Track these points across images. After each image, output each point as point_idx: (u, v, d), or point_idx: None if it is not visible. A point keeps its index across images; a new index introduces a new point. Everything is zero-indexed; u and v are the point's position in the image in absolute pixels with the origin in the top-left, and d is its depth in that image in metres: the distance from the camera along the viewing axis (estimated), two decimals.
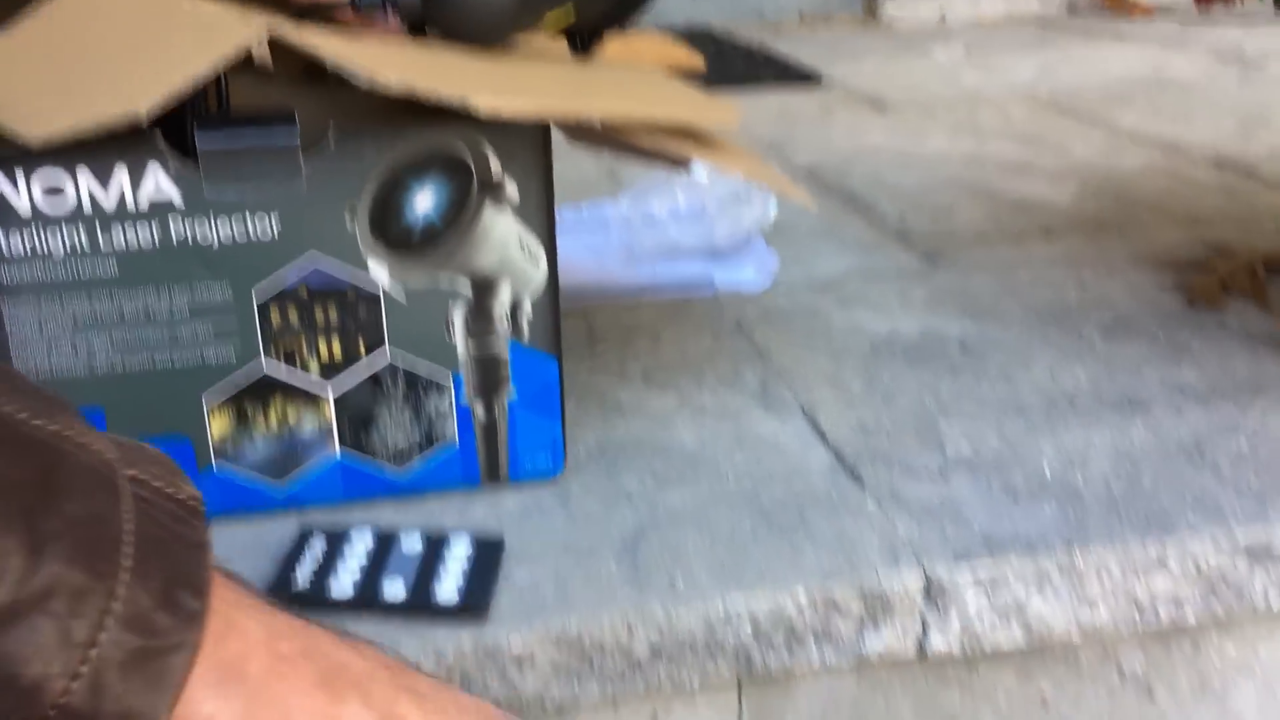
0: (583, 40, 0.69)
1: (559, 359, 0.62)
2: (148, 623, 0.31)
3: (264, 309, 0.56)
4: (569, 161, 1.15)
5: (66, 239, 0.53)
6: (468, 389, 0.60)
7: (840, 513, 0.61)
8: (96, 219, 0.53)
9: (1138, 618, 0.60)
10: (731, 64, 1.91)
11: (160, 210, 0.54)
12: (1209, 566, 0.60)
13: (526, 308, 0.60)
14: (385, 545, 0.57)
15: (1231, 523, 0.60)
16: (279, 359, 0.57)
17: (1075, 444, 0.68)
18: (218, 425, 0.58)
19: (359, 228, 0.56)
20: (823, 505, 0.62)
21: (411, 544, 0.57)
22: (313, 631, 0.37)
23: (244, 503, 0.60)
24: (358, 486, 0.61)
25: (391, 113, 0.56)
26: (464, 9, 0.60)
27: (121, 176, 0.53)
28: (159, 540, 0.32)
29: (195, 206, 0.54)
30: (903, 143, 1.43)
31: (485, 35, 0.62)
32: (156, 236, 0.54)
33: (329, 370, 0.58)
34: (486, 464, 0.63)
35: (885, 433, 0.70)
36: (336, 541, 0.57)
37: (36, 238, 0.53)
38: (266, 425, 0.58)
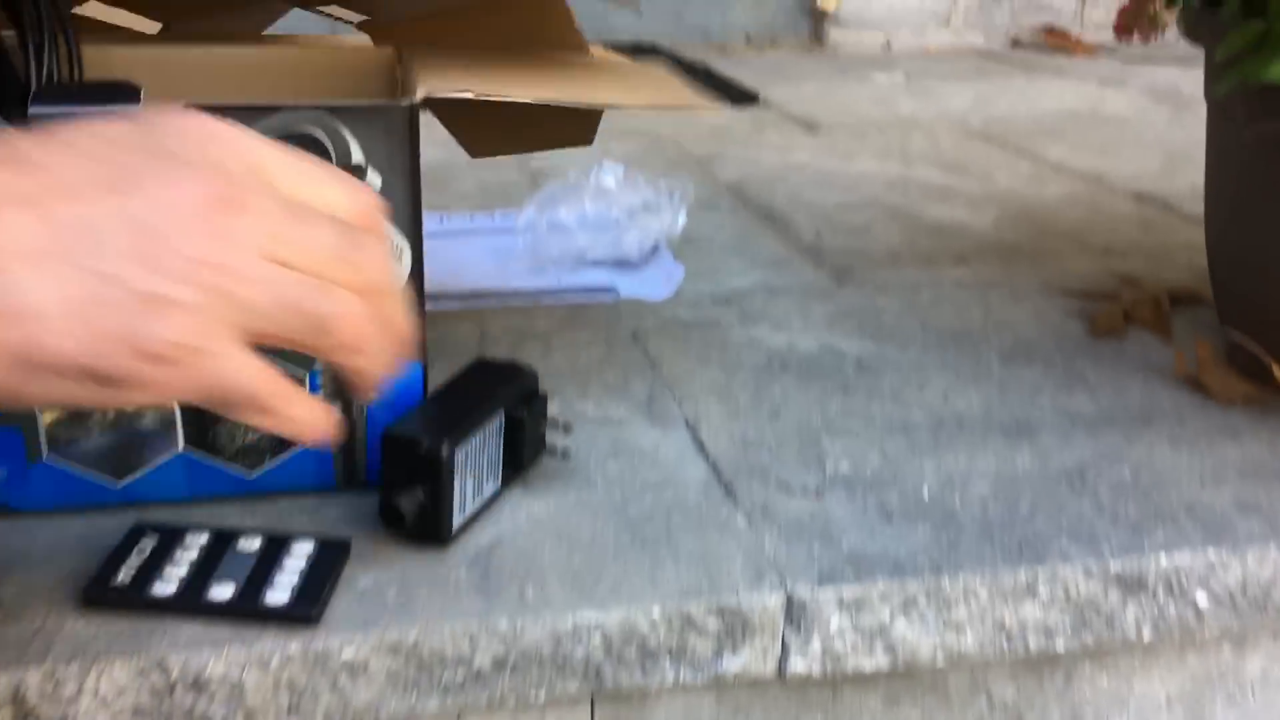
0: None
1: (424, 364, 0.59)
2: None
3: None
4: (490, 169, 1.13)
5: None
6: (324, 385, 0.58)
7: (708, 528, 0.59)
8: None
9: (1006, 645, 0.58)
10: None
11: None
12: (1080, 595, 0.58)
13: None
14: (221, 545, 0.54)
15: (1105, 552, 0.59)
16: None
17: (957, 466, 0.67)
18: (48, 415, 0.55)
19: None
20: (692, 519, 0.60)
21: (249, 544, 0.54)
22: None
23: (78, 498, 0.57)
24: (203, 483, 0.58)
25: (252, 89, 0.54)
26: None
27: None
28: None
29: None
30: (830, 163, 1.42)
31: None
32: None
33: None
34: (343, 466, 0.60)
35: (767, 447, 0.68)
36: (170, 539, 0.54)
37: None
38: (103, 415, 0.55)
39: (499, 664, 0.52)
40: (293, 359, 0.56)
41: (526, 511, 0.60)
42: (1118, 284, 0.97)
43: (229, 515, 0.58)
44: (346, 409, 0.58)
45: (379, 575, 0.54)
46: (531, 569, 0.55)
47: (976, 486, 0.64)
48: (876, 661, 0.57)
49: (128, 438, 0.56)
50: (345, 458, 0.59)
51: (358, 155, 0.54)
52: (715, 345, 0.83)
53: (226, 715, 0.50)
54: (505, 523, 0.59)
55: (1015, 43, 2.52)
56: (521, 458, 0.60)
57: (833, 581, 0.55)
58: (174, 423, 0.56)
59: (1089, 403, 0.75)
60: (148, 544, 0.54)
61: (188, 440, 0.57)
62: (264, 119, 0.52)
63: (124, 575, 0.51)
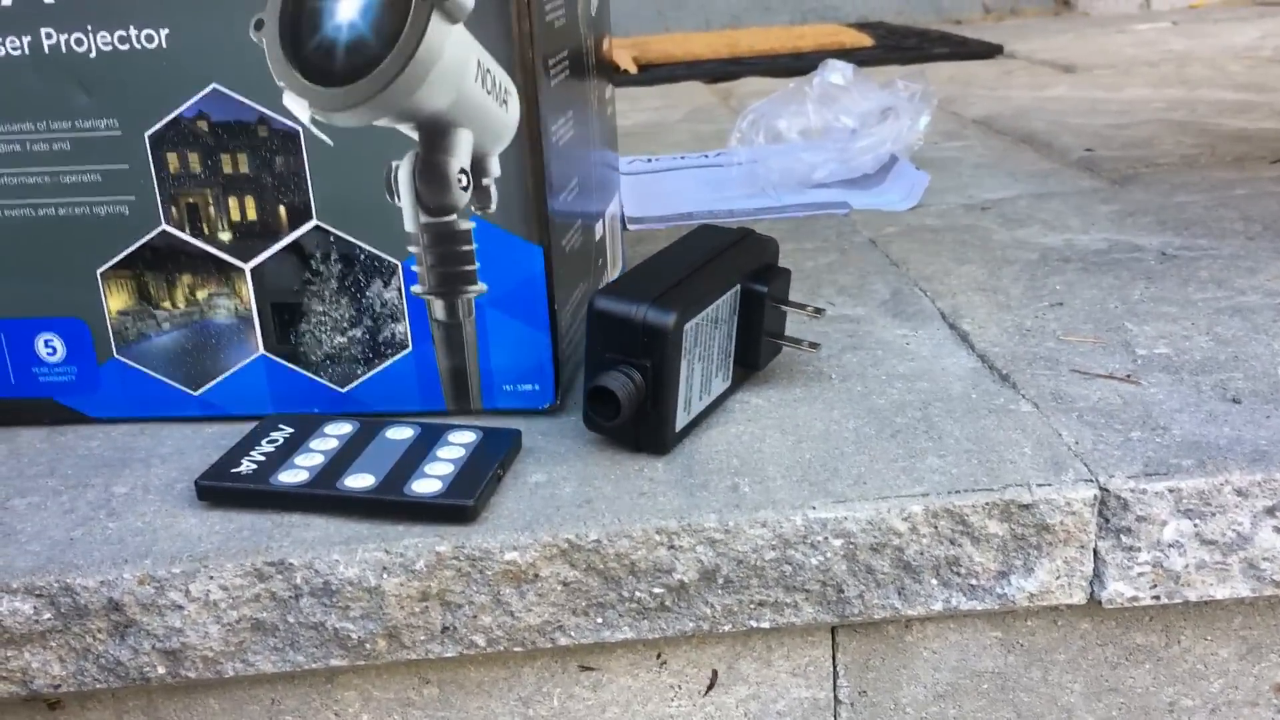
0: None
1: (546, 247, 0.45)
2: None
3: (157, 148, 0.44)
4: (705, 120, 1.01)
5: None
6: (421, 276, 0.46)
7: (981, 415, 0.45)
8: None
9: None
10: (903, 42, 1.74)
11: (29, 13, 0.43)
12: None
13: (494, 168, 0.44)
14: (366, 435, 0.44)
15: None
16: (182, 217, 0.45)
17: None
18: (115, 301, 0.46)
19: (267, 43, 0.43)
20: (958, 408, 0.46)
21: (400, 433, 0.44)
22: None
23: (154, 407, 0.48)
24: (289, 396, 0.47)
25: None
26: None
27: None
28: None
29: (70, 7, 0.43)
30: (1094, 94, 1.23)
31: None
32: (23, 46, 0.43)
33: (243, 235, 0.45)
34: (451, 383, 0.47)
35: (1052, 335, 0.53)
36: (306, 428, 0.45)
37: None
38: (172, 304, 0.46)
39: (707, 577, 0.40)
40: (382, 247, 0.45)
41: (739, 403, 0.47)
42: None
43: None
44: (450, 306, 0.46)
45: (552, 471, 0.43)
46: (748, 463, 0.42)
47: None
48: (1235, 587, 0.41)
49: (200, 335, 0.47)
50: (453, 373, 0.48)
51: None
52: (974, 246, 0.68)
53: (362, 637, 0.39)
54: (710, 415, 0.46)
55: None
56: (758, 348, 0.47)
57: (1165, 475, 0.40)
58: (250, 319, 0.46)
59: None
60: (280, 435, 0.44)
61: (266, 343, 0.47)
62: None
63: (246, 466, 0.42)
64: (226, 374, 0.47)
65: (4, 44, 0.44)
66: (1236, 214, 0.71)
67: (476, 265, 0.45)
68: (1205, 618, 0.43)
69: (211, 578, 0.38)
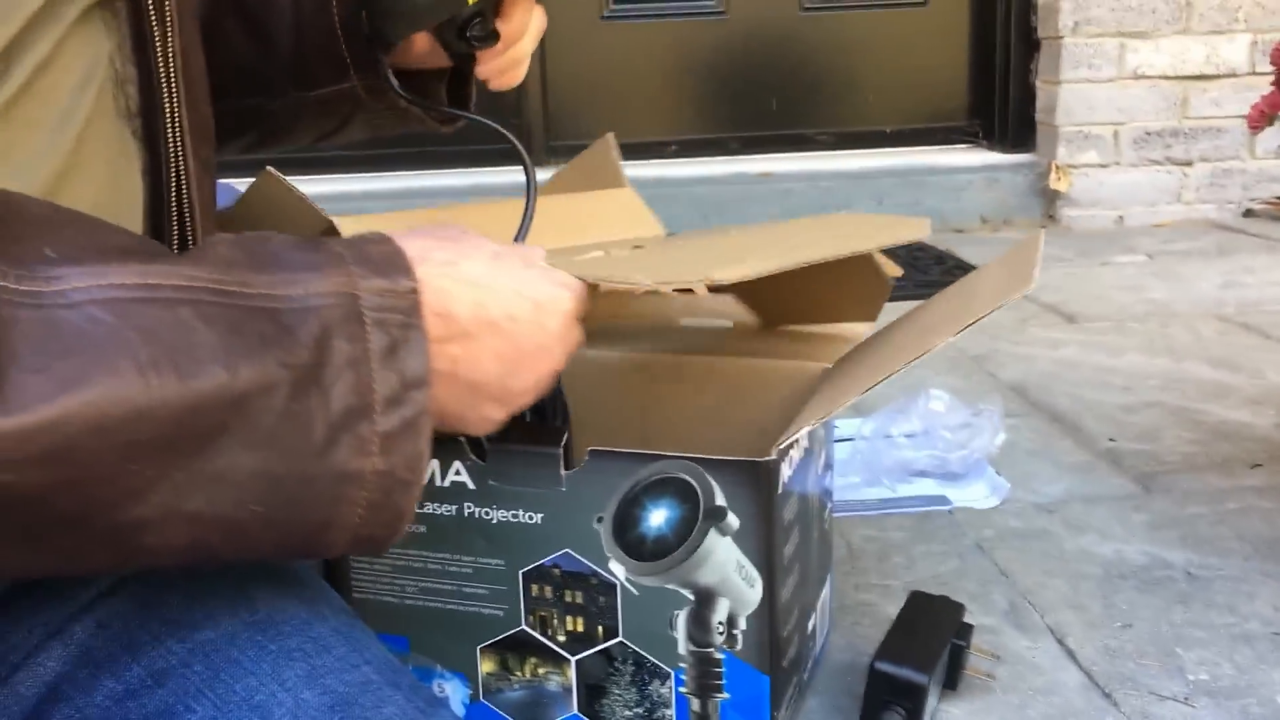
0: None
1: (771, 677, 0.68)
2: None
3: (527, 580, 0.70)
4: None
5: None
6: (687, 682, 0.70)
7: None
8: None
9: None
10: (926, 271, 2.06)
11: (458, 491, 0.70)
12: None
13: (741, 624, 0.68)
14: None
15: None
16: (535, 624, 0.71)
17: None
18: (486, 665, 0.72)
19: (604, 531, 0.67)
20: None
21: None
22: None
23: None
24: None
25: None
26: None
27: (434, 465, 0.69)
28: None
29: (483, 493, 0.69)
30: (1099, 358, 1.54)
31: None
32: (453, 510, 0.70)
33: (572, 640, 0.70)
34: None
35: (1130, 657, 0.81)
36: None
37: None
38: (522, 673, 0.72)
39: None
40: (663, 659, 0.69)
41: (943, 711, 0.74)
42: None
43: None
44: (703, 705, 0.69)
45: None
46: None
47: None
48: None
49: (537, 695, 0.72)
50: None
51: (720, 499, 0.66)
52: (1054, 556, 0.96)
53: None
54: None
55: (1248, 213, 2.59)
56: (956, 679, 0.75)
57: None
58: (571, 690, 0.72)
59: None
60: None
61: (579, 707, 0.72)
62: (648, 464, 0.67)
63: None
64: None
65: (440, 508, 0.70)
66: (1232, 533, 1.00)
67: (724, 680, 0.69)
68: None
69: None
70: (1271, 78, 1.02)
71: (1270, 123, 0.98)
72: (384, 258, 0.47)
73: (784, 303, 0.90)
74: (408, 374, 0.45)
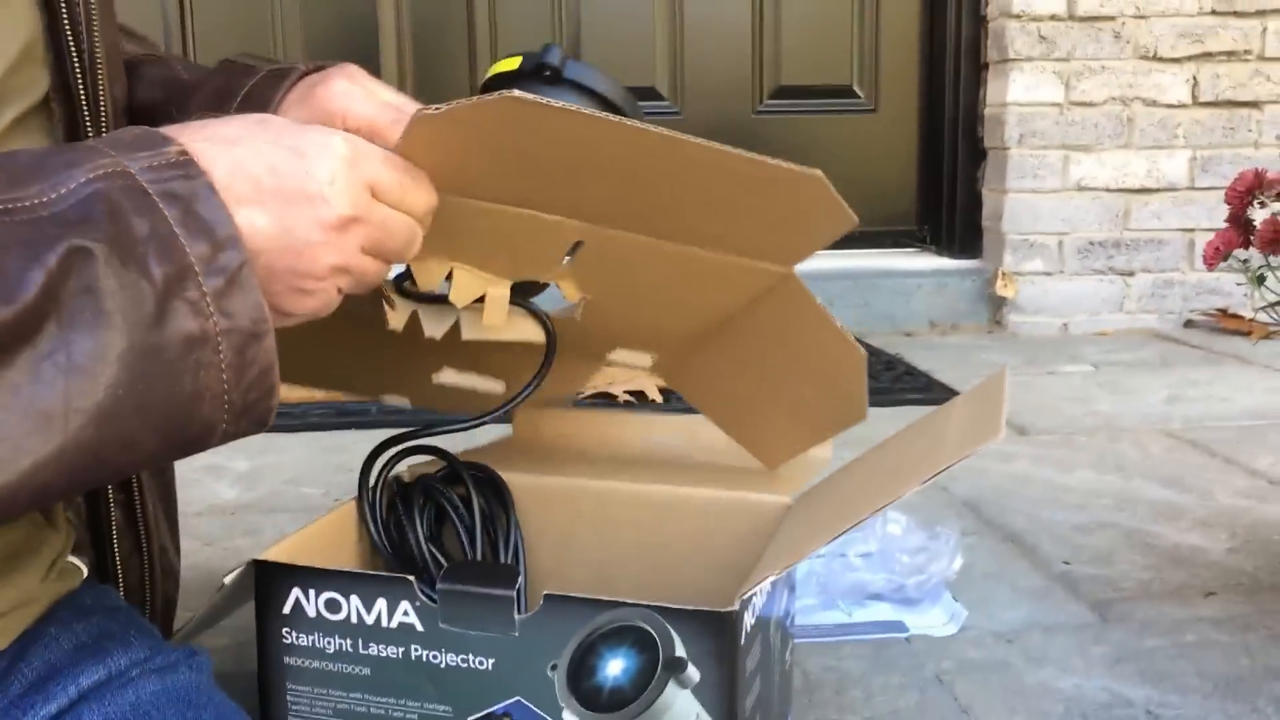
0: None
1: None
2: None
3: None
4: None
5: (335, 642, 0.68)
6: None
7: None
8: (360, 632, 0.67)
9: None
10: (877, 377, 2.06)
11: (405, 632, 0.67)
12: None
13: None
14: None
15: None
16: None
17: None
18: None
19: (558, 680, 0.65)
20: None
21: None
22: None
23: None
24: None
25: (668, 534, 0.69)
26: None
27: (381, 605, 0.67)
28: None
29: (431, 636, 0.67)
30: (1049, 473, 1.54)
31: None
32: (399, 653, 0.67)
33: None
34: None
35: None
36: None
37: (316, 637, 0.68)
38: None
39: None
40: None
41: None
42: None
43: None
44: None
45: None
46: None
47: None
48: None
49: None
50: None
51: (680, 650, 0.64)
52: (1015, 691, 0.94)
53: None
54: None
55: (1188, 323, 2.64)
56: None
57: None
58: None
59: None
60: None
61: None
62: (605, 610, 0.64)
63: None
64: None
65: (385, 650, 0.67)
66: (1192, 668, 0.98)
67: None
68: None
69: None
70: (1216, 196, 1.05)
71: (1225, 259, 1.00)
72: (138, 137, 0.49)
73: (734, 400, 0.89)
74: (214, 231, 0.47)
